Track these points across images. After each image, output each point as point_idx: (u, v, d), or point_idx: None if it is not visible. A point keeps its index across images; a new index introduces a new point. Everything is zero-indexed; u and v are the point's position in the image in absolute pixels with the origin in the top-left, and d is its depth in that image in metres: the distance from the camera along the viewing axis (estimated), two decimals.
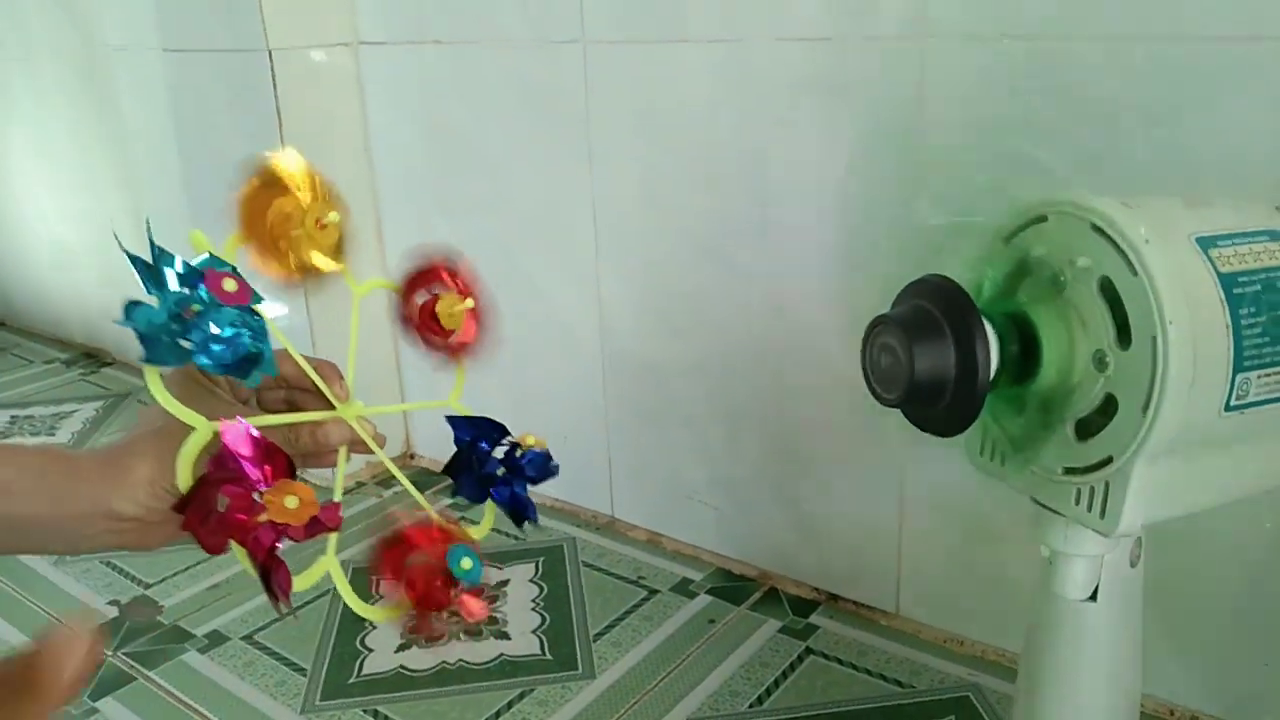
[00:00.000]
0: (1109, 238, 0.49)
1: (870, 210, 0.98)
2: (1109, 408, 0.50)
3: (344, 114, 1.38)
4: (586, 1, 1.11)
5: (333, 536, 0.50)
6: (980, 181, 0.88)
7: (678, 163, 1.11)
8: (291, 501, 0.46)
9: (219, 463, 0.46)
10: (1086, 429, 0.52)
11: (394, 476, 0.57)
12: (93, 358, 2.11)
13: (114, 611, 1.21)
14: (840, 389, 1.05)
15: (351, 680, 1.06)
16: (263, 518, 0.46)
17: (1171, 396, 0.47)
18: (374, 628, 1.15)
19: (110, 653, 1.13)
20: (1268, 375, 0.50)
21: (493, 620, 1.15)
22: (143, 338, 0.47)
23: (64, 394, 1.93)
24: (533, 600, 1.18)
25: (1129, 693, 0.64)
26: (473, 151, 1.29)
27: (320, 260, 0.59)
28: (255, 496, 0.46)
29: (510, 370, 1.32)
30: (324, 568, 0.52)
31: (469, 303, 0.64)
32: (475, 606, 0.56)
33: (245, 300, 0.49)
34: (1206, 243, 0.50)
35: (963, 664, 1.04)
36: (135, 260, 0.48)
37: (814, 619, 1.12)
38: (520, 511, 0.63)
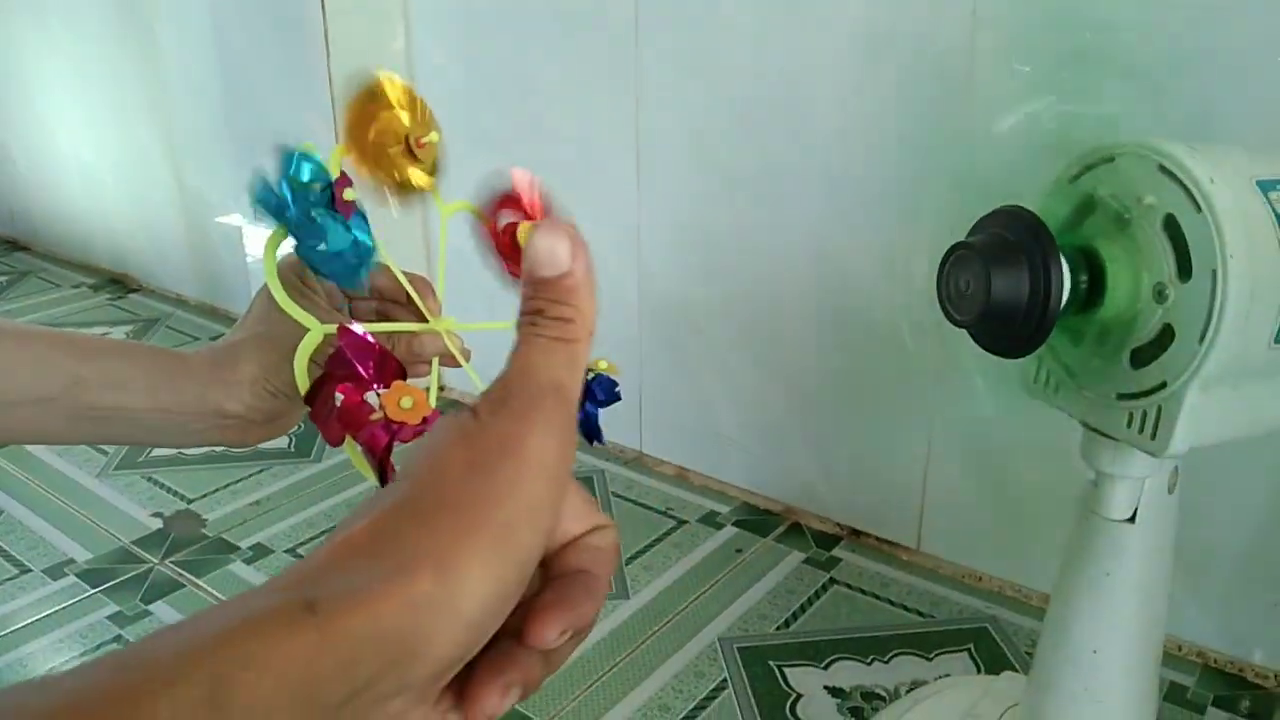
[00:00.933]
0: (1175, 177, 0.53)
1: (917, 157, 1.01)
2: (1165, 337, 0.54)
3: (389, 43, 1.40)
4: None
5: None
6: (1032, 129, 0.91)
7: (725, 103, 1.13)
8: (407, 402, 0.49)
9: (336, 362, 0.50)
10: (1142, 357, 0.56)
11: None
12: (119, 283, 2.13)
13: (158, 524, 1.25)
14: (873, 329, 1.09)
15: None
16: (376, 416, 0.49)
17: (1228, 327, 0.51)
18: None
19: (158, 560, 1.17)
20: None
21: None
22: (287, 226, 0.50)
23: (91, 318, 1.96)
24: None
25: (1157, 614, 0.68)
26: (516, 83, 1.31)
27: (417, 177, 0.62)
28: (369, 397, 0.49)
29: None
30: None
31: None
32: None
33: (359, 209, 0.52)
34: (1267, 185, 0.53)
35: (981, 598, 1.09)
36: (279, 159, 0.50)
37: (837, 552, 1.17)
38: (591, 431, 0.67)
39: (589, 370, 0.67)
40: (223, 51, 1.48)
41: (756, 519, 1.24)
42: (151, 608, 1.09)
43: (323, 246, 0.52)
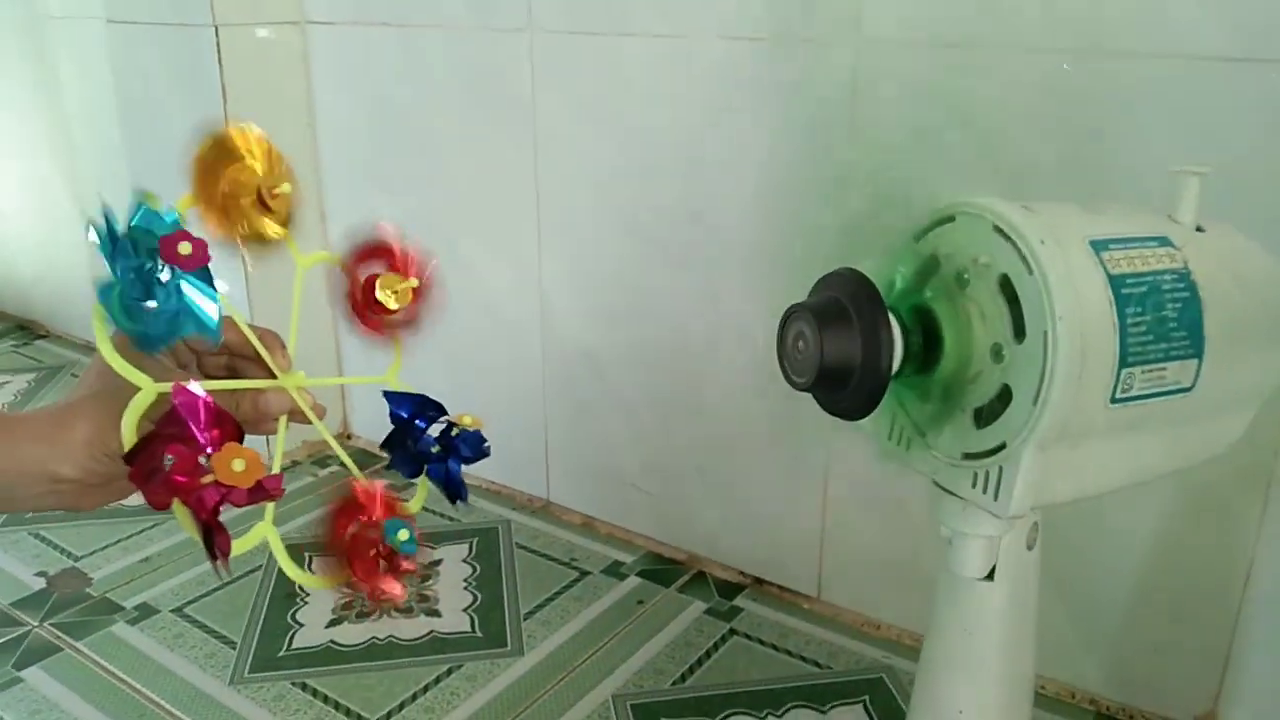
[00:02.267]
0: (1009, 238, 0.53)
1: (801, 203, 1.01)
2: (1005, 397, 0.54)
3: (289, 91, 1.38)
4: None
5: (270, 504, 0.51)
6: (905, 181, 0.92)
7: (620, 152, 1.13)
8: (239, 464, 0.47)
9: (167, 422, 0.47)
10: (984, 417, 0.55)
11: (329, 456, 0.58)
12: (25, 329, 2.07)
13: (41, 583, 1.21)
14: (768, 379, 1.09)
15: (281, 653, 1.07)
16: (208, 479, 0.47)
17: (1059, 387, 0.51)
18: (305, 603, 1.15)
19: (36, 623, 1.13)
20: (1150, 371, 0.54)
21: (424, 598, 1.17)
22: (109, 312, 0.48)
23: None
24: (465, 580, 1.20)
25: (1023, 671, 0.67)
26: (417, 133, 1.30)
27: (269, 229, 0.60)
28: (201, 459, 0.47)
29: (449, 353, 1.33)
30: (261, 533, 0.53)
31: (412, 281, 0.65)
32: (396, 588, 0.56)
33: (202, 263, 0.50)
34: (1099, 245, 0.53)
35: (878, 647, 1.08)
36: (98, 232, 0.49)
37: (739, 601, 1.16)
38: (454, 490, 0.65)
39: (453, 426, 0.66)
40: (123, 98, 1.45)
41: (661, 569, 1.22)
42: (24, 674, 1.04)
43: (150, 303, 0.49)
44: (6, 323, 2.11)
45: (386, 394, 0.63)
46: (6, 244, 2.05)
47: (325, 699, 1.00)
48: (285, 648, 1.08)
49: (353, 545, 0.55)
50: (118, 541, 1.29)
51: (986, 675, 0.65)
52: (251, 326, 0.58)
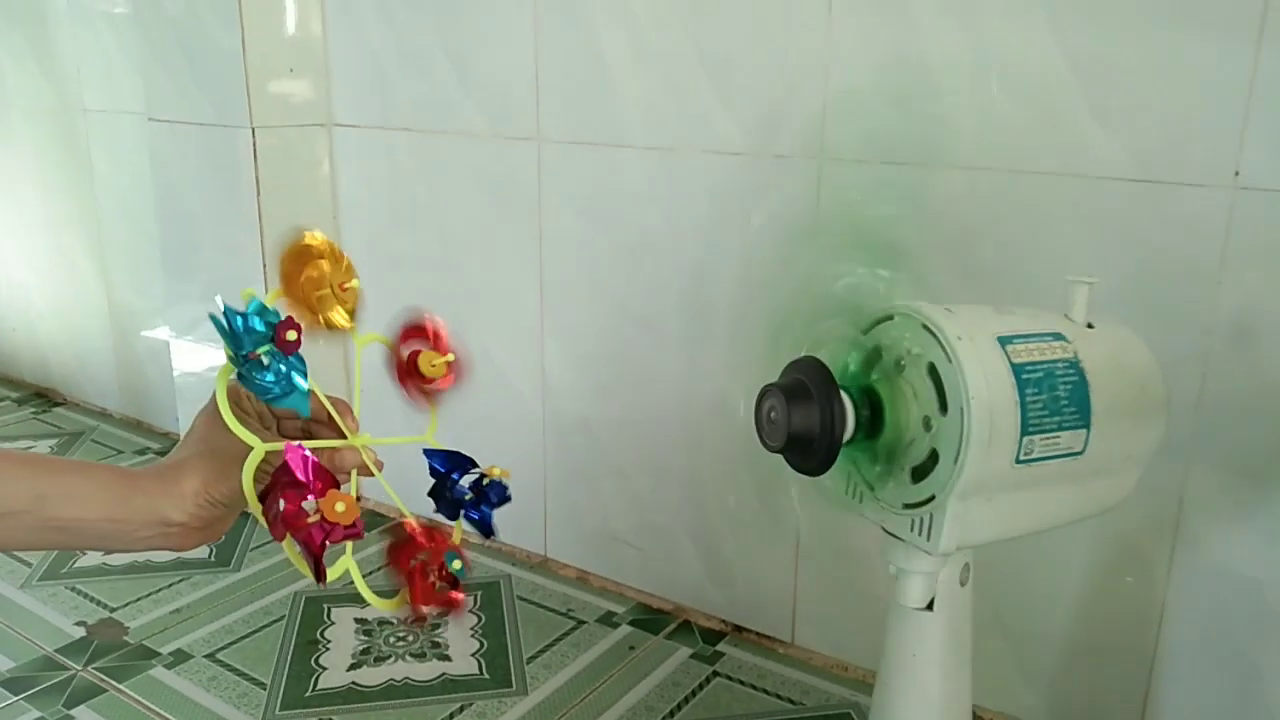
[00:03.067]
0: (934, 333, 0.68)
1: (772, 294, 1.16)
2: (932, 459, 0.68)
3: (315, 187, 1.53)
4: (542, 106, 1.29)
5: (349, 543, 0.63)
6: (860, 277, 1.07)
7: (616, 245, 1.28)
8: (340, 506, 0.60)
9: (281, 473, 0.61)
10: (919, 474, 0.70)
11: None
12: (44, 397, 2.19)
13: (81, 632, 1.31)
14: (746, 443, 1.23)
15: (308, 694, 1.18)
16: (314, 518, 0.60)
17: (974, 451, 0.65)
18: (327, 649, 1.27)
19: (80, 667, 1.23)
20: (1047, 438, 0.68)
21: (435, 644, 1.28)
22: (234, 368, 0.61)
23: (15, 431, 2.01)
24: (471, 628, 1.32)
25: (961, 690, 0.81)
26: (432, 227, 1.45)
27: (339, 318, 0.75)
28: (307, 504, 0.60)
29: (460, 421, 1.46)
30: (344, 565, 0.66)
31: (450, 356, 0.79)
32: (460, 598, 0.68)
33: (299, 348, 0.63)
34: (1005, 340, 0.68)
35: (846, 686, 1.21)
36: (222, 319, 0.62)
37: (721, 647, 1.28)
38: (486, 529, 0.78)
39: (484, 476, 0.79)
40: (159, 188, 1.60)
41: (650, 618, 1.35)
42: (74, 712, 1.15)
43: (270, 379, 0.63)
44: (25, 390, 2.23)
45: (426, 451, 0.77)
46: (27, 312, 2.17)
47: None
48: (311, 688, 1.19)
49: (417, 573, 0.67)
50: (149, 594, 1.40)
51: (930, 693, 0.79)
52: (326, 395, 0.71)
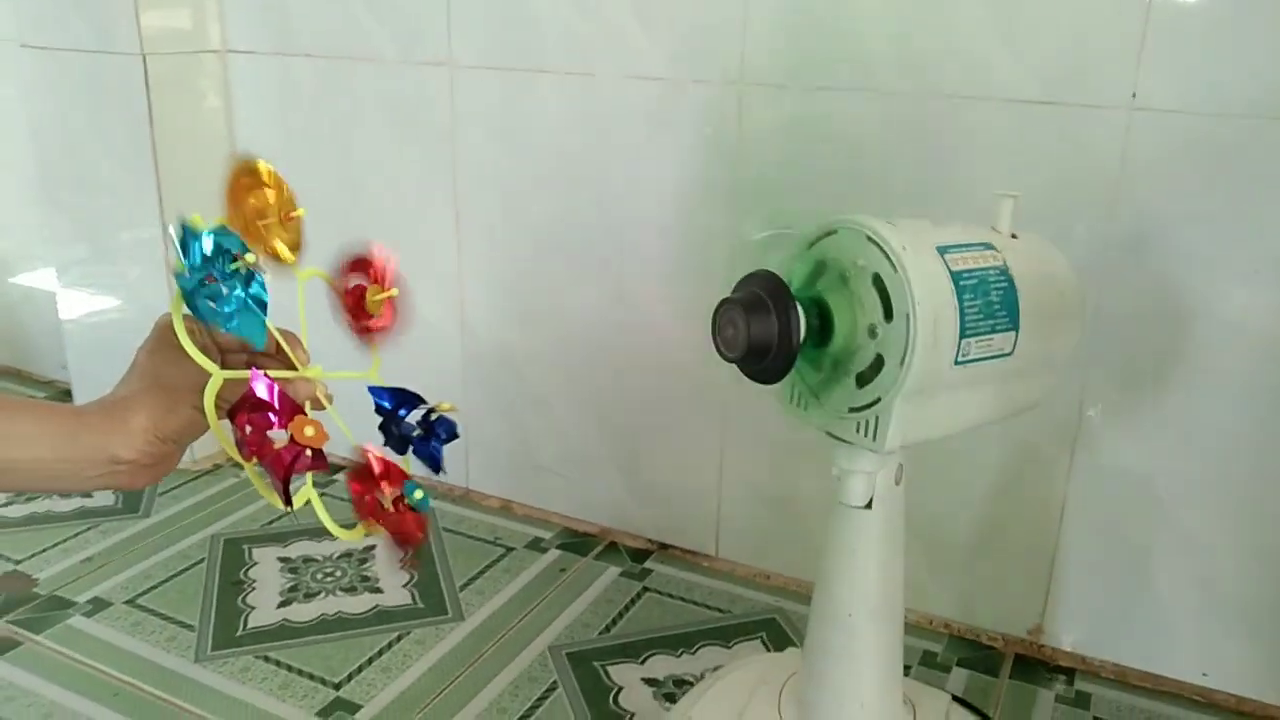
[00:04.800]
0: (879, 245, 0.71)
1: (698, 218, 1.19)
2: (878, 364, 0.72)
3: (211, 118, 1.47)
4: (455, 29, 1.27)
5: (309, 474, 0.63)
6: (785, 200, 1.11)
7: (535, 174, 1.28)
8: (309, 430, 0.60)
9: (245, 399, 0.60)
10: (863, 380, 0.74)
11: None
12: None
13: None
14: (670, 368, 1.26)
15: (239, 633, 1.17)
16: (280, 443, 0.59)
17: (919, 354, 0.69)
18: (253, 588, 1.26)
19: None
20: (981, 340, 0.73)
21: (365, 578, 1.28)
22: (184, 296, 0.60)
23: None
24: (399, 561, 1.33)
25: (895, 580, 0.86)
26: (338, 158, 1.42)
27: (283, 251, 0.73)
28: (274, 432, 0.59)
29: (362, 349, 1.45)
30: (305, 495, 0.66)
31: (393, 291, 0.79)
32: (419, 528, 0.69)
33: (261, 270, 0.62)
34: (944, 250, 0.72)
35: (769, 594, 1.27)
36: (182, 235, 0.60)
37: (649, 564, 1.33)
38: (436, 464, 0.79)
39: (432, 411, 0.80)
40: (36, 121, 1.51)
41: (577, 541, 1.38)
42: None
43: (230, 306, 0.62)
44: None
45: (371, 389, 0.76)
46: None
47: (289, 668, 1.11)
48: (242, 628, 1.18)
49: (375, 504, 0.67)
50: (55, 545, 1.35)
51: (869, 584, 0.84)
52: (275, 327, 0.70)
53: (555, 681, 1.09)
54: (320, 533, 1.38)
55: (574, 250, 1.28)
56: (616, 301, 1.28)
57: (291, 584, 1.27)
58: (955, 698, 0.99)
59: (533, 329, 1.36)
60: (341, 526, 0.64)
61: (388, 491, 0.70)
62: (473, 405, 1.43)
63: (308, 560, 1.32)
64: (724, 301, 0.72)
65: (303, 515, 1.29)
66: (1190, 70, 0.94)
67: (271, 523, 1.41)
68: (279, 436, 0.60)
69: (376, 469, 0.70)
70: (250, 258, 0.63)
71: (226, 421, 0.59)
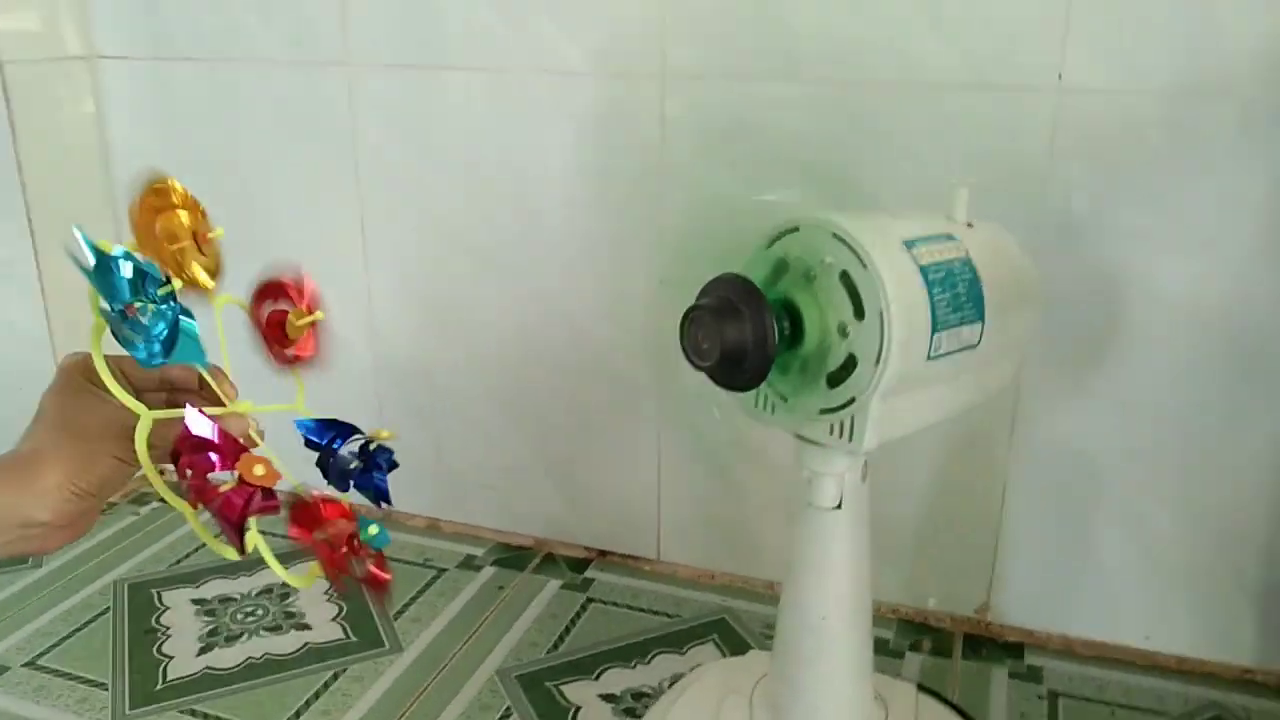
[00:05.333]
0: (846, 242, 0.69)
1: (619, 215, 1.15)
2: (850, 364, 0.70)
3: (80, 130, 1.36)
4: (350, 26, 1.20)
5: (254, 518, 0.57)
6: (708, 195, 1.08)
7: (445, 176, 1.22)
8: (259, 469, 0.53)
9: (184, 440, 0.53)
10: (835, 380, 0.71)
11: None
12: None
13: None
14: (601, 370, 1.22)
15: (158, 687, 1.08)
16: (227, 486, 0.53)
17: (896, 352, 0.67)
18: (168, 636, 1.16)
19: None
20: (951, 334, 0.71)
21: (289, 615, 1.21)
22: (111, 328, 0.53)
23: None
24: (325, 593, 1.25)
25: (865, 579, 0.85)
26: (228, 170, 1.32)
27: (202, 276, 0.67)
28: (217, 473, 0.53)
29: (280, 379, 1.36)
30: (252, 540, 0.60)
31: (318, 315, 0.73)
32: (385, 574, 0.63)
33: (176, 300, 0.56)
34: (910, 244, 0.71)
35: (715, 593, 1.24)
36: (89, 265, 0.53)
37: (589, 573, 1.29)
38: (381, 495, 0.73)
39: (371, 441, 0.74)
40: None
41: (512, 556, 1.33)
42: None
43: (158, 334, 0.55)
44: None
45: (298, 422, 0.71)
46: None
47: None
48: (161, 681, 1.09)
49: (324, 546, 0.61)
50: None
51: (841, 585, 0.82)
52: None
53: (509, 708, 1.05)
54: (235, 569, 1.29)
55: (489, 252, 1.23)
56: (538, 304, 1.23)
57: (210, 627, 1.18)
58: (920, 686, 0.99)
59: (448, 336, 1.30)
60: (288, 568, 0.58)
61: (338, 531, 0.64)
62: (388, 420, 1.36)
63: (224, 600, 1.23)
64: (693, 309, 0.69)
65: (208, 552, 1.20)
66: (1113, 50, 0.95)
67: (179, 562, 1.32)
68: (222, 478, 0.54)
69: (319, 507, 0.64)
70: (176, 284, 0.57)
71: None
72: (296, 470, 0.62)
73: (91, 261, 0.53)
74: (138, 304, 0.54)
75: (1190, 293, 0.99)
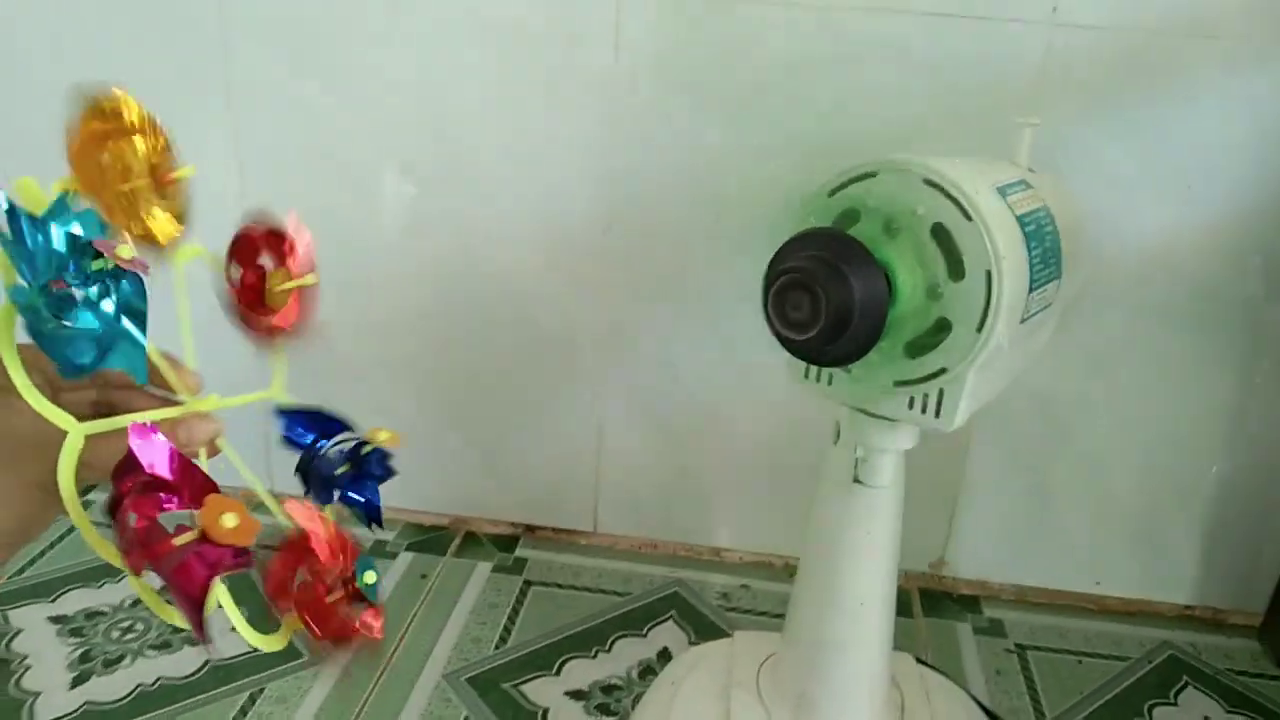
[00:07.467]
0: (943, 190, 0.60)
1: (569, 157, 1.01)
2: (940, 330, 0.62)
3: None
4: None
5: None
6: (672, 133, 0.97)
7: (344, 101, 1.04)
8: (231, 520, 0.38)
9: (127, 471, 0.38)
10: (917, 348, 0.63)
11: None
12: None
13: None
14: (533, 329, 1.09)
15: None
16: (183, 540, 0.38)
17: (1004, 317, 0.60)
18: (28, 667, 0.96)
19: None
20: (1039, 293, 0.65)
21: (176, 628, 1.02)
22: (23, 314, 0.38)
23: None
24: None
25: (898, 552, 0.78)
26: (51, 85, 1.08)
27: (163, 226, 0.51)
28: (170, 515, 0.38)
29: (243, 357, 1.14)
30: (213, 598, 0.45)
31: (309, 279, 0.59)
32: (377, 625, 0.50)
33: (143, 268, 0.41)
34: (1003, 191, 0.63)
35: (661, 565, 1.16)
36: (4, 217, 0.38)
37: (520, 552, 1.17)
38: (373, 512, 0.60)
39: (365, 443, 0.60)
40: None
41: (427, 538, 1.19)
42: None
43: (90, 323, 0.40)
44: None
45: (279, 412, 0.57)
46: None
47: None
48: None
49: (306, 594, 0.48)
50: None
51: (884, 569, 0.75)
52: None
53: (467, 717, 0.92)
54: (98, 575, 1.08)
55: (410, 202, 1.06)
56: (464, 259, 1.08)
57: (80, 650, 0.98)
58: (918, 659, 0.94)
59: (350, 293, 1.12)
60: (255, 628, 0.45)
61: (330, 573, 0.50)
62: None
63: (91, 615, 1.03)
64: (780, 273, 0.58)
65: (71, 554, 1.01)
66: None
67: (22, 571, 1.09)
68: (178, 519, 0.40)
69: (319, 544, 0.51)
70: (125, 251, 0.41)
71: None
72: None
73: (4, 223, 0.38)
74: (64, 279, 0.39)
75: (1163, 242, 0.98)
